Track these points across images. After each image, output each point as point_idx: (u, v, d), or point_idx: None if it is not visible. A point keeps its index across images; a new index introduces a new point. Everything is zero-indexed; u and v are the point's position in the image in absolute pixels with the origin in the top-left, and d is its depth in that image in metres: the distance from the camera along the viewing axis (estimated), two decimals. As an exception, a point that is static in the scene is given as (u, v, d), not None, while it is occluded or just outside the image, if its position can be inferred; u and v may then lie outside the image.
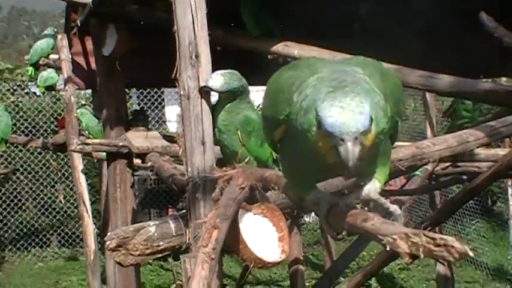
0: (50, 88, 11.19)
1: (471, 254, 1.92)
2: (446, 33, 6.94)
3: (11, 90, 17.19)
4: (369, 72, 2.29)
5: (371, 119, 2.08)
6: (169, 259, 12.80)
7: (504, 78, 12.30)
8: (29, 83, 17.03)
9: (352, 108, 2.06)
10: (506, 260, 14.02)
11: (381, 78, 2.31)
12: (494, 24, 6.16)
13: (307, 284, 9.45)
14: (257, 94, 6.37)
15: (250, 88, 4.67)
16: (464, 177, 7.94)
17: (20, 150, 16.39)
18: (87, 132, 9.80)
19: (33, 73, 10.87)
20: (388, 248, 2.08)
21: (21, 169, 16.59)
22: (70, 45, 8.74)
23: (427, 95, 10.73)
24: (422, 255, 1.99)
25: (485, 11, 6.00)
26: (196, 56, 4.23)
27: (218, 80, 4.29)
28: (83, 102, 16.95)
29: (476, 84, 4.94)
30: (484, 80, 8.97)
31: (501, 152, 6.28)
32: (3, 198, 16.52)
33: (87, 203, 9.29)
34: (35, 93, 17.30)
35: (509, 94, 6.48)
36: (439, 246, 1.94)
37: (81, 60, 8.59)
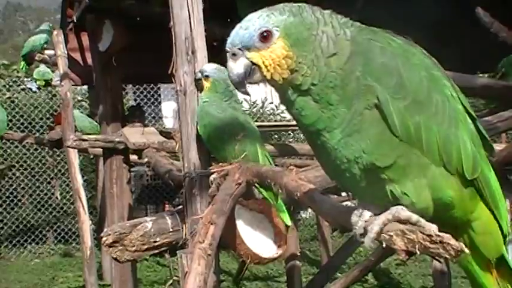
0: (47, 83, 11.17)
1: (467, 251, 1.92)
2: (443, 29, 6.94)
3: (7, 86, 17.15)
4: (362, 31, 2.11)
5: (265, 35, 2.03)
6: (166, 255, 12.71)
7: (500, 74, 12.29)
8: (25, 79, 16.99)
9: (242, 24, 2.08)
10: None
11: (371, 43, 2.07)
12: (490, 19, 6.18)
13: (304, 279, 9.44)
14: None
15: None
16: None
17: (16, 147, 16.36)
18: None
19: (24, 67, 10.85)
20: (384, 245, 2.08)
21: (17, 165, 16.56)
22: (66, 41, 8.72)
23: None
24: (418, 252, 1.99)
25: (482, 7, 6.02)
26: (193, 52, 4.23)
27: (211, 65, 4.29)
28: (79, 98, 16.94)
29: (473, 79, 4.95)
30: (480, 75, 8.98)
31: (497, 147, 6.27)
32: (-1, 194, 16.52)
33: (84, 199, 9.25)
34: (30, 89, 17.26)
35: (506, 89, 6.50)
36: (435, 243, 1.94)
37: (77, 55, 8.58)
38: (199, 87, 4.28)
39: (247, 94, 2.19)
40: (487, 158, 2.25)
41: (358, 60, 2.02)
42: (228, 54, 2.09)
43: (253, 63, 2.06)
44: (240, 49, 2.06)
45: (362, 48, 2.04)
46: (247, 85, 2.13)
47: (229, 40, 2.08)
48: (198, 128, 4.22)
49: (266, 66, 2.04)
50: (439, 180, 2.09)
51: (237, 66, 2.08)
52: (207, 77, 4.24)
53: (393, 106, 2.01)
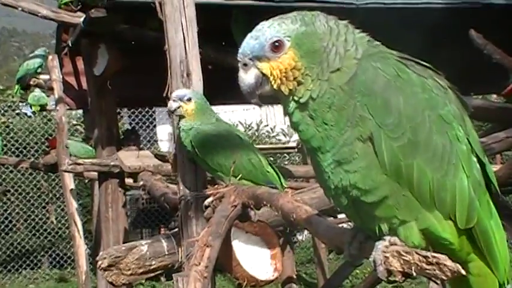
0: (42, 108, 11.18)
1: (463, 272, 1.91)
2: (437, 51, 6.98)
3: (2, 111, 17.15)
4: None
5: (276, 44, 2.00)
6: (162, 278, 12.74)
7: (494, 95, 12.36)
8: (20, 104, 17.00)
9: (252, 33, 2.05)
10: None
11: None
12: (484, 41, 6.22)
13: (300, 302, 9.40)
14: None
15: (240, 107, 4.68)
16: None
17: (11, 171, 16.31)
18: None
19: (18, 91, 10.86)
20: (381, 268, 2.06)
21: (12, 190, 16.50)
22: (61, 66, 8.74)
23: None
24: (414, 274, 1.98)
25: (474, 28, 6.06)
26: (188, 74, 4.24)
27: (184, 90, 4.29)
28: (74, 122, 16.94)
29: (467, 101, 4.95)
30: (474, 96, 9.01)
31: (492, 168, 6.28)
32: (-6, 219, 16.44)
33: (79, 223, 9.24)
34: (25, 113, 17.26)
35: (500, 110, 6.53)
36: (431, 264, 1.93)
37: (72, 80, 8.59)
38: (181, 114, 4.25)
39: (259, 105, 2.14)
40: (492, 204, 2.17)
41: (359, 87, 1.97)
42: (239, 64, 2.07)
43: (263, 74, 2.04)
44: (251, 59, 2.04)
45: (366, 77, 1.98)
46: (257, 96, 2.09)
47: (240, 50, 2.06)
48: (197, 151, 4.18)
49: (274, 77, 2.02)
50: (432, 223, 2.04)
51: (247, 77, 2.06)
52: (189, 100, 4.22)
53: (386, 144, 1.96)
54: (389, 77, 1.98)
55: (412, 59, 2.10)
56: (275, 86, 2.02)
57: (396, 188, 2.00)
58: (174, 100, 4.19)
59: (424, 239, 2.05)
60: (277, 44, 2.00)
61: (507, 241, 2.22)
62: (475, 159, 2.12)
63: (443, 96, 2.07)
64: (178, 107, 4.20)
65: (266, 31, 2.02)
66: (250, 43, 2.04)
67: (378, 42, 2.12)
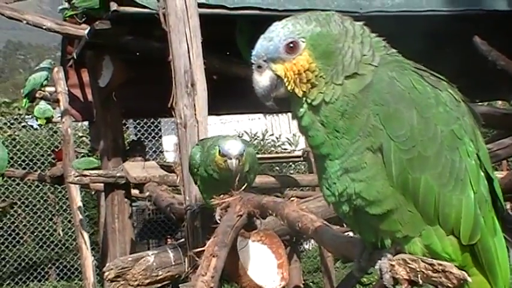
0: (48, 120, 11.21)
1: (469, 279, 1.90)
2: (441, 58, 6.98)
3: (8, 124, 17.19)
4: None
5: (291, 46, 1.97)
6: (169, 289, 12.68)
7: (500, 102, 12.34)
8: (26, 116, 17.03)
9: (266, 34, 2.02)
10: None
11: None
12: (488, 48, 6.22)
13: (308, 312, 9.38)
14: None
15: (246, 116, 4.64)
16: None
17: (18, 184, 16.33)
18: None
19: (26, 104, 10.89)
20: (387, 276, 2.06)
21: (18, 203, 16.51)
22: (66, 78, 8.78)
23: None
24: (420, 281, 1.97)
25: (478, 35, 6.05)
26: (192, 85, 4.25)
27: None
28: (80, 134, 16.96)
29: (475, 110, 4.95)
30: (479, 103, 9.00)
31: (498, 175, 6.26)
32: (1, 232, 16.43)
33: (86, 235, 9.24)
34: (32, 126, 17.29)
35: (506, 117, 6.52)
36: (437, 272, 1.93)
37: (77, 92, 8.62)
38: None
39: (274, 107, 2.07)
40: (496, 221, 2.15)
41: (373, 97, 1.95)
42: (253, 66, 2.02)
43: (278, 76, 2.00)
44: (265, 61, 2.00)
45: (381, 86, 1.95)
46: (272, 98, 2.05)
47: (254, 52, 2.01)
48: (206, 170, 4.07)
49: (288, 79, 1.98)
50: (434, 241, 2.03)
51: (262, 79, 2.01)
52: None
53: (395, 156, 1.94)
54: (404, 88, 1.96)
55: (427, 70, 2.08)
56: (289, 88, 1.99)
57: (402, 201, 1.98)
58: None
59: (428, 253, 2.04)
60: (291, 45, 1.97)
61: (509, 257, 2.21)
62: (483, 174, 2.10)
63: (456, 109, 2.05)
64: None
65: (280, 32, 1.98)
66: (264, 44, 2.00)
67: (394, 50, 2.10)
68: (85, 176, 7.12)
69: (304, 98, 1.99)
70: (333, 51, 1.96)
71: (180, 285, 4.01)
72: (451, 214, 2.02)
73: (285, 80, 1.99)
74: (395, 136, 1.94)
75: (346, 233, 2.87)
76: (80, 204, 9.42)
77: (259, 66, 2.01)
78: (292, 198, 3.31)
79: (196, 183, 4.24)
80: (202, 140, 4.22)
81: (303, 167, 15.96)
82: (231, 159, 3.79)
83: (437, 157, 1.98)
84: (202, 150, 4.02)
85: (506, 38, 6.82)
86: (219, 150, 3.83)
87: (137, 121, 17.56)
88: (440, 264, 1.93)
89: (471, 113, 2.13)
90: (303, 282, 8.87)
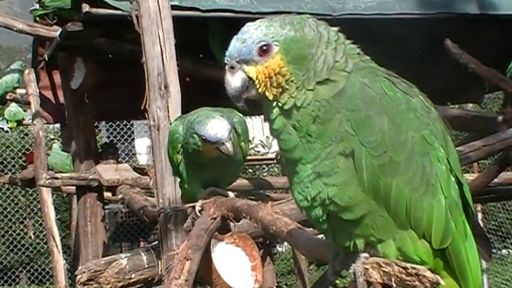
0: (18, 123, 11.09)
1: (442, 283, 1.92)
2: (413, 61, 7.04)
3: (-22, 127, 17.01)
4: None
5: (264, 49, 1.97)
6: (142, 293, 12.60)
7: (470, 104, 12.45)
8: (-4, 119, 16.86)
9: (239, 35, 2.02)
10: None
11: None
12: (459, 51, 6.28)
13: (281, 314, 9.38)
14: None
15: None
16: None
17: (-12, 187, 16.18)
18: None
19: None
20: (361, 279, 2.06)
21: (-11, 206, 16.35)
22: (37, 80, 8.68)
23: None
24: (394, 285, 1.98)
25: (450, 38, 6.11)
26: (166, 87, 4.23)
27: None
28: (52, 136, 16.81)
29: (444, 111, 5.00)
30: (451, 106, 9.08)
31: (470, 177, 6.33)
32: (-29, 235, 16.26)
33: (57, 238, 9.15)
34: (2, 128, 17.11)
35: (476, 119, 6.59)
36: (410, 275, 1.94)
37: (49, 94, 8.55)
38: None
39: (245, 109, 2.09)
40: (467, 225, 2.16)
41: (345, 102, 1.95)
42: (226, 66, 2.02)
43: (249, 78, 2.00)
44: (238, 62, 2.00)
45: (353, 92, 1.96)
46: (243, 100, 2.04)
47: (227, 52, 2.01)
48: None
49: (259, 81, 1.98)
50: (406, 244, 2.04)
51: (234, 80, 2.01)
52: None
53: (366, 162, 1.95)
54: (375, 94, 1.97)
55: (399, 77, 2.09)
56: (260, 91, 1.99)
57: (374, 206, 1.99)
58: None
59: (401, 255, 2.05)
60: (265, 48, 1.97)
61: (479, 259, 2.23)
62: (453, 179, 2.12)
63: (427, 115, 2.06)
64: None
65: (253, 33, 1.98)
66: (237, 46, 2.00)
67: (367, 57, 2.11)
68: (56, 178, 7.07)
69: (275, 102, 1.99)
70: (306, 57, 1.97)
71: (153, 288, 4.00)
72: (422, 218, 2.03)
73: (256, 82, 1.99)
74: (366, 142, 1.95)
75: (319, 235, 2.88)
76: (52, 207, 9.34)
77: (232, 67, 2.01)
78: (266, 201, 3.30)
79: (176, 173, 3.90)
80: (180, 116, 3.93)
81: (276, 169, 15.98)
82: (223, 144, 3.41)
83: (408, 162, 1.99)
84: (183, 124, 3.68)
85: (477, 41, 6.89)
86: (202, 139, 3.43)
87: (110, 123, 17.46)
88: (414, 268, 1.94)
89: (441, 119, 2.15)
90: (277, 284, 8.86)
